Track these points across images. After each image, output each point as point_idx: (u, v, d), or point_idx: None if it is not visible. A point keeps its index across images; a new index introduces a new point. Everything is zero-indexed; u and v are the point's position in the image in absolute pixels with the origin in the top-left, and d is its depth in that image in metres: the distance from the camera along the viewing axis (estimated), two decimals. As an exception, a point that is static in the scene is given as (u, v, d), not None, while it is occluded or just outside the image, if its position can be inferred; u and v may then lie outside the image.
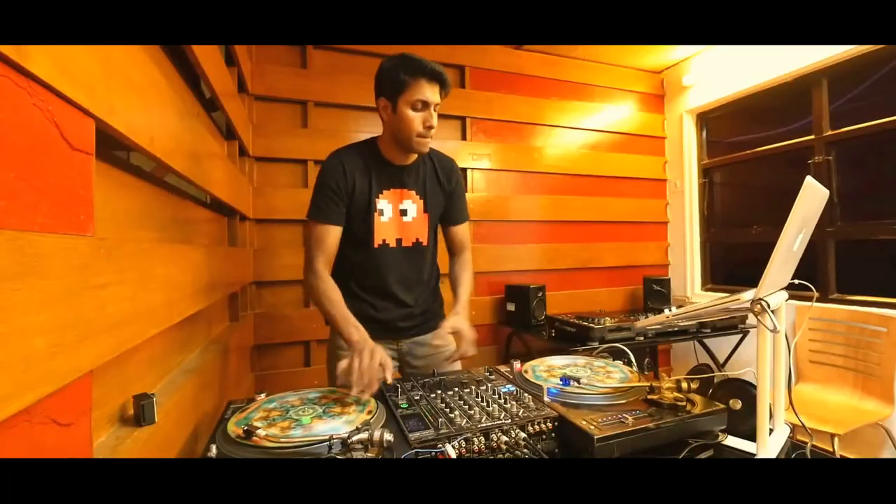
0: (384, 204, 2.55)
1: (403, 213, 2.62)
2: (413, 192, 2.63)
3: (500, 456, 1.56)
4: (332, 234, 2.48)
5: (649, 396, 1.83)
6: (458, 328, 2.39)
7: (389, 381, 2.08)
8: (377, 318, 2.61)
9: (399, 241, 2.62)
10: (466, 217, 2.90)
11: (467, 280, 2.78)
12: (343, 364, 1.97)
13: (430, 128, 2.40)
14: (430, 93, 2.35)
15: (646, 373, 2.40)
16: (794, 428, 1.97)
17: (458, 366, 2.68)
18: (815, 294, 2.10)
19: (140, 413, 1.47)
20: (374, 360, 1.99)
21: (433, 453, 1.48)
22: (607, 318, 4.46)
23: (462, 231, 2.88)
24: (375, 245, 2.57)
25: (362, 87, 4.61)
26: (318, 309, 2.47)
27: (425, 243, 2.71)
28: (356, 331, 2.23)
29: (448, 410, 1.77)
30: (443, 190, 2.74)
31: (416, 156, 2.60)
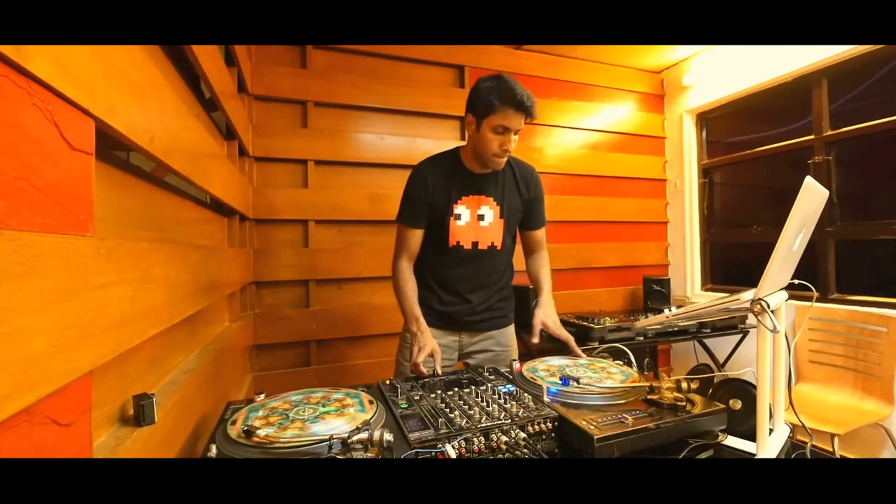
0: (462, 209, 2.76)
1: (481, 217, 2.79)
2: (491, 199, 2.80)
3: (499, 456, 1.56)
4: (415, 236, 2.78)
5: (649, 396, 1.83)
6: (546, 325, 2.76)
7: (439, 371, 2.34)
8: (441, 310, 2.83)
9: (475, 244, 2.81)
10: (545, 222, 3.06)
11: (547, 273, 3.03)
12: (415, 356, 2.42)
13: (507, 150, 2.56)
14: (515, 121, 2.48)
15: (646, 373, 2.40)
16: (793, 428, 1.97)
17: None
18: (815, 294, 2.10)
19: (140, 413, 1.47)
20: (422, 354, 2.41)
21: (433, 453, 1.48)
22: (607, 318, 4.48)
23: (540, 234, 3.06)
24: (450, 245, 2.77)
25: (362, 87, 4.69)
26: (396, 300, 2.80)
27: (499, 247, 2.87)
28: (416, 324, 2.63)
29: (448, 410, 1.77)
30: (521, 197, 2.88)
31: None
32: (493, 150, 2.54)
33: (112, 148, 1.44)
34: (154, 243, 1.66)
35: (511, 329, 3.07)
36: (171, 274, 1.78)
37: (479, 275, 2.86)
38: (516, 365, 2.26)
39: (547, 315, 2.75)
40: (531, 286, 3.36)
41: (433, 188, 2.71)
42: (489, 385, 2.06)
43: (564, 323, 4.44)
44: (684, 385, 1.80)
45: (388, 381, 2.15)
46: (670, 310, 2.08)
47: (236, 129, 3.41)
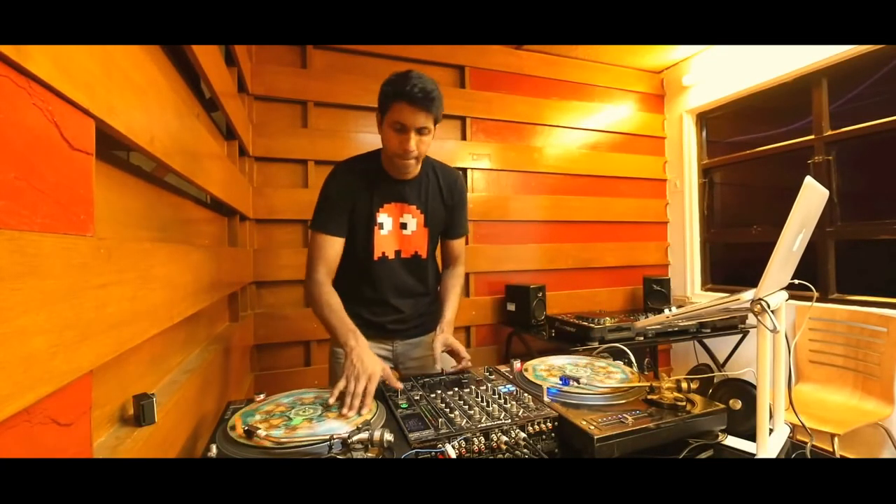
0: (384, 217, 2.58)
1: (403, 226, 2.64)
2: (414, 207, 2.64)
3: (500, 456, 1.56)
4: (333, 245, 2.51)
5: (649, 396, 1.83)
6: (450, 345, 2.49)
7: (399, 386, 2.07)
8: (371, 321, 2.64)
9: (398, 252, 2.65)
10: (465, 231, 2.93)
11: (456, 295, 2.83)
12: (339, 386, 1.93)
13: (407, 150, 2.36)
14: (411, 116, 2.30)
15: (646, 373, 2.40)
16: (793, 428, 1.97)
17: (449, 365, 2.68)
18: (815, 294, 2.10)
19: (140, 413, 1.47)
20: (360, 383, 1.93)
21: (433, 453, 1.48)
22: (607, 318, 4.46)
23: (458, 245, 2.91)
24: (375, 257, 2.60)
25: (362, 87, 4.69)
26: (317, 317, 2.47)
27: (424, 256, 2.74)
28: (353, 337, 2.24)
29: (448, 410, 1.77)
30: (444, 204, 2.75)
31: (418, 170, 2.61)
32: (394, 150, 2.39)
33: (112, 148, 1.44)
34: (154, 243, 1.67)
35: None
36: (172, 274, 1.78)
37: (406, 284, 2.72)
38: (517, 365, 2.26)
39: (448, 338, 2.54)
40: (531, 285, 3.32)
41: (354, 193, 2.54)
42: (489, 385, 2.06)
43: (564, 322, 4.45)
44: (684, 385, 1.80)
45: (400, 388, 2.11)
46: (670, 310, 2.08)
47: (236, 129, 3.41)
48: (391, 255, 2.64)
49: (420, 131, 2.36)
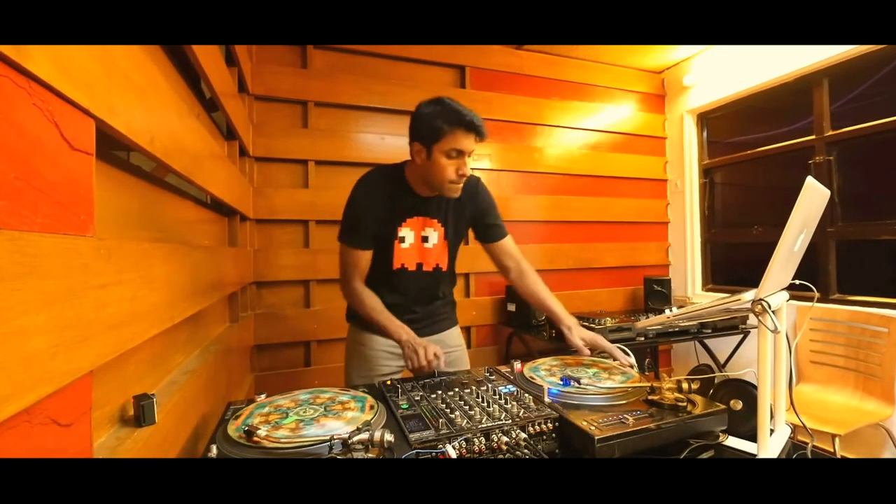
0: (406, 231, 2.65)
1: (425, 239, 2.71)
2: (435, 221, 2.70)
3: (500, 456, 1.56)
4: (364, 257, 2.64)
5: (650, 397, 1.83)
6: (593, 342, 2.55)
7: (443, 367, 2.32)
8: None
9: (420, 265, 2.72)
10: (505, 231, 2.91)
11: (549, 294, 2.89)
12: (411, 359, 2.35)
13: (464, 175, 2.45)
14: (466, 142, 2.38)
15: (646, 373, 2.40)
16: (794, 428, 1.97)
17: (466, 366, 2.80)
18: (816, 294, 2.10)
19: (140, 413, 1.47)
20: (428, 351, 2.32)
21: (434, 454, 1.48)
22: (608, 319, 4.47)
23: (509, 245, 2.90)
24: (394, 268, 2.67)
25: (362, 87, 4.72)
26: (365, 319, 2.63)
27: (444, 269, 2.81)
28: (404, 331, 2.49)
29: (448, 411, 1.77)
30: (465, 217, 2.80)
31: None
32: (450, 177, 2.45)
33: (112, 148, 1.44)
34: (154, 243, 1.66)
35: (457, 329, 3.04)
36: (172, 274, 1.78)
37: (424, 294, 2.82)
38: (517, 365, 2.27)
39: (584, 333, 2.59)
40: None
41: (377, 209, 2.59)
42: (490, 385, 2.07)
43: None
44: (685, 385, 1.80)
45: (388, 382, 2.15)
46: (671, 310, 2.08)
47: (237, 129, 3.41)
48: (411, 267, 2.70)
49: (469, 154, 2.45)
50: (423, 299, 2.81)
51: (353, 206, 2.62)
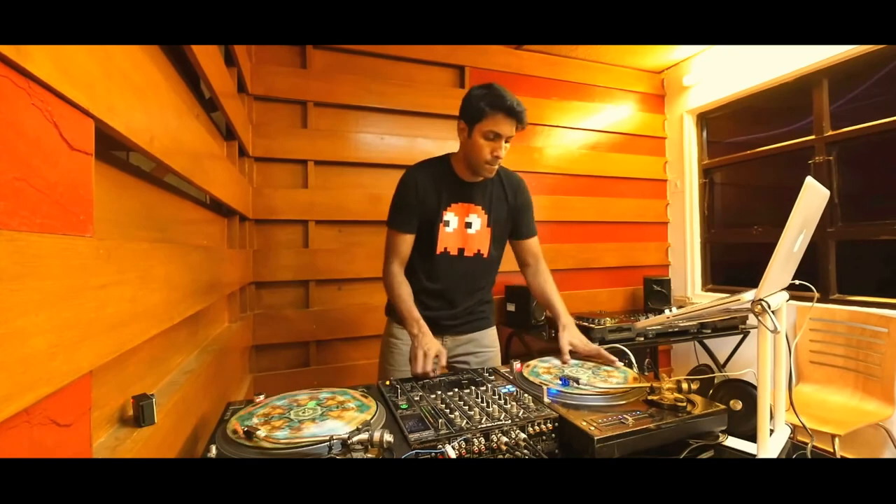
0: (451, 216, 2.77)
1: (468, 225, 2.81)
2: (479, 207, 2.82)
3: (500, 457, 1.56)
4: (406, 242, 2.77)
5: (650, 397, 1.83)
6: (576, 345, 2.56)
7: (443, 365, 2.41)
8: (424, 315, 2.69)
9: (461, 250, 2.82)
10: (534, 231, 3.07)
11: (556, 292, 2.94)
12: (414, 357, 2.37)
13: (497, 157, 2.57)
14: (506, 127, 2.50)
15: (646, 373, 2.40)
16: (794, 429, 1.97)
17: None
18: (816, 294, 2.10)
19: (140, 414, 1.48)
20: (428, 357, 2.33)
21: (433, 454, 1.48)
22: (607, 319, 4.48)
23: (534, 243, 3.05)
24: (437, 252, 2.77)
25: (362, 86, 4.72)
26: (392, 303, 2.74)
27: (486, 255, 2.88)
28: (417, 326, 2.55)
29: (448, 411, 1.77)
30: (508, 205, 2.91)
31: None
32: (485, 157, 2.57)
33: (112, 148, 1.44)
34: (154, 244, 1.66)
35: (493, 331, 3.10)
36: (171, 274, 1.78)
37: (464, 281, 2.87)
38: (517, 365, 2.27)
39: (573, 336, 2.63)
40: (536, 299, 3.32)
41: (424, 194, 2.72)
42: (489, 385, 2.07)
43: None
44: (685, 386, 1.81)
45: (388, 382, 2.15)
46: (671, 310, 2.08)
47: (236, 130, 3.41)
48: (453, 252, 2.80)
49: (508, 140, 2.58)
50: (464, 288, 2.87)
51: (399, 190, 2.77)
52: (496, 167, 2.67)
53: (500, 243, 2.96)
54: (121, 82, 1.29)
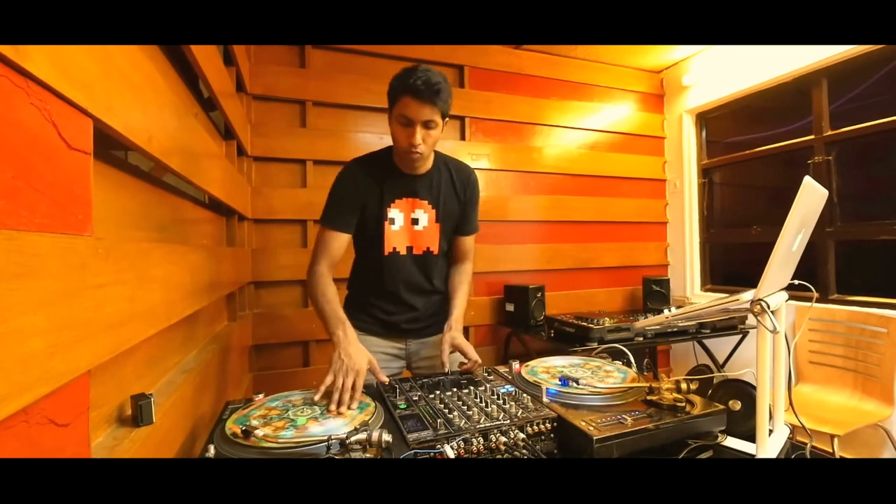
0: (395, 213, 2.59)
1: (415, 221, 2.64)
2: (426, 202, 2.64)
3: (498, 457, 1.55)
4: (338, 241, 2.53)
5: (648, 397, 1.84)
6: (457, 344, 2.46)
7: (385, 380, 2.15)
8: (385, 320, 2.65)
9: (410, 248, 2.65)
10: (476, 229, 2.89)
11: (464, 293, 2.80)
12: (326, 382, 1.98)
13: (413, 146, 2.36)
14: (415, 109, 2.30)
15: (645, 373, 2.41)
16: (793, 429, 1.97)
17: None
18: (815, 294, 2.10)
19: (138, 413, 1.48)
20: (348, 378, 1.97)
21: (432, 454, 1.48)
22: (606, 319, 4.47)
23: (468, 241, 2.88)
24: (386, 253, 2.60)
25: (361, 86, 4.71)
26: (313, 307, 2.48)
27: (436, 252, 2.72)
28: (342, 328, 2.26)
29: (447, 411, 1.77)
30: (458, 199, 2.74)
31: (429, 165, 2.61)
32: (402, 146, 2.40)
33: (110, 147, 1.44)
34: (152, 243, 1.67)
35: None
36: (170, 274, 1.78)
37: (417, 281, 2.71)
38: (515, 365, 2.26)
39: (455, 338, 2.52)
40: (530, 286, 3.28)
41: (365, 189, 2.55)
42: (488, 385, 2.07)
43: (563, 323, 4.44)
44: (684, 386, 1.81)
45: (387, 382, 2.14)
46: (670, 310, 2.08)
47: (235, 129, 3.42)
48: (402, 251, 2.63)
49: (426, 125, 2.35)
50: (418, 289, 2.73)
51: (336, 185, 2.58)
52: (417, 157, 2.43)
53: (450, 239, 2.82)
54: (119, 82, 1.30)
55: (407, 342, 2.77)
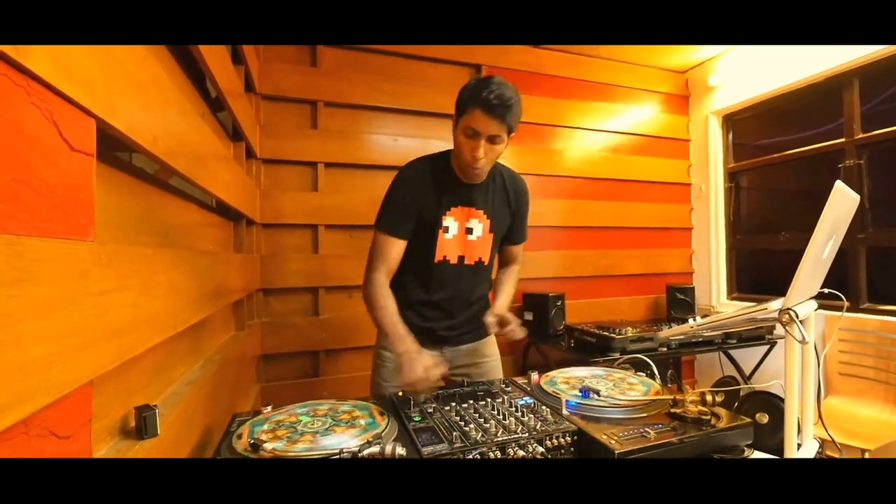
0: (450, 221, 2.61)
1: (469, 231, 2.66)
2: (481, 212, 2.67)
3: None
4: (396, 247, 2.55)
5: (672, 410, 1.83)
6: (501, 314, 2.47)
7: (440, 380, 2.20)
8: (421, 326, 2.63)
9: (461, 258, 2.68)
10: (525, 237, 2.97)
11: (510, 289, 2.83)
12: (402, 373, 2.14)
13: (476, 158, 2.38)
14: (483, 123, 2.30)
15: (669, 385, 2.40)
16: (823, 443, 1.97)
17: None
18: (846, 303, 2.08)
19: (142, 425, 1.47)
20: (415, 370, 2.09)
21: (446, 468, 1.47)
22: (629, 328, 4.46)
23: (517, 249, 2.95)
24: (436, 260, 2.62)
25: (375, 86, 4.70)
26: (370, 316, 2.52)
27: (486, 262, 2.76)
28: (403, 341, 2.31)
29: (463, 423, 1.76)
30: (509, 208, 2.78)
31: (486, 175, 2.60)
32: (465, 158, 2.42)
33: (114, 149, 1.44)
34: (157, 248, 1.67)
35: (493, 339, 2.96)
36: (175, 280, 1.78)
37: (464, 291, 2.76)
38: (534, 376, 2.26)
39: (499, 311, 2.55)
40: (549, 294, 3.28)
41: (423, 195, 2.56)
42: (506, 397, 2.06)
43: (584, 333, 4.42)
44: (709, 398, 1.80)
45: (400, 393, 2.14)
46: (695, 319, 2.07)
47: (243, 130, 3.41)
48: (453, 260, 2.66)
49: (492, 139, 2.38)
50: (463, 299, 2.75)
51: (393, 191, 2.59)
52: (477, 170, 2.48)
53: (497, 248, 2.86)
54: (123, 80, 1.30)
55: (443, 349, 2.75)
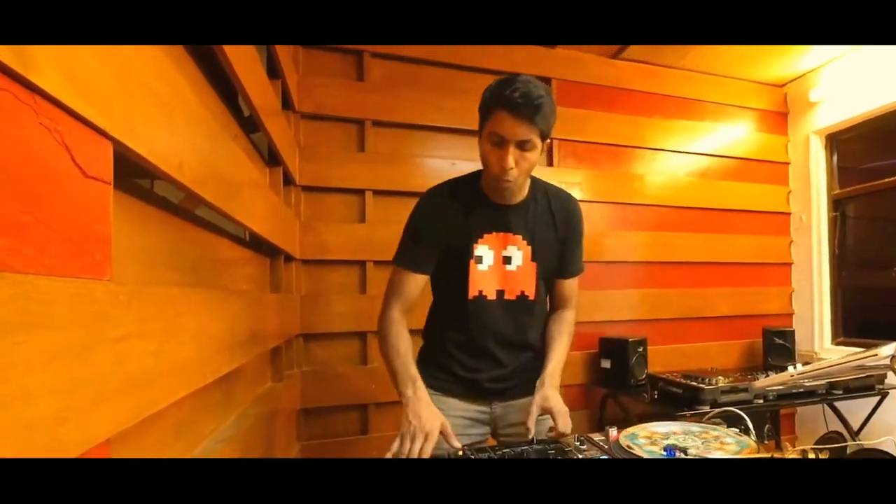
0: (484, 250, 2.51)
1: (507, 260, 2.54)
2: (519, 238, 2.54)
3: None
4: (414, 282, 2.51)
5: (772, 472, 1.80)
6: (548, 406, 2.34)
7: (458, 445, 2.13)
8: (464, 377, 2.58)
9: (500, 293, 2.56)
10: (580, 270, 2.81)
11: (564, 344, 2.67)
12: (393, 449, 2.05)
13: (505, 169, 2.25)
14: (509, 127, 2.20)
15: (766, 442, 2.37)
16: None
17: None
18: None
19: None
20: (415, 444, 2.03)
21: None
22: (720, 378, 4.42)
23: (571, 285, 2.80)
24: (470, 296, 2.51)
25: (429, 103, 4.72)
26: (381, 356, 2.48)
27: (532, 297, 2.61)
28: (412, 386, 2.26)
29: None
30: (556, 233, 2.62)
31: (525, 194, 2.54)
32: (493, 170, 2.31)
33: (133, 176, 1.45)
34: (183, 288, 1.69)
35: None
36: (204, 324, 1.79)
37: (509, 331, 2.59)
38: (612, 433, 2.22)
39: (548, 398, 2.37)
40: (629, 339, 3.25)
41: (447, 222, 2.49)
42: (580, 457, 2.05)
43: (668, 383, 4.40)
44: (812, 456, 1.77)
45: (460, 454, 2.10)
46: (795, 367, 2.06)
47: (280, 153, 3.42)
48: (491, 296, 2.54)
49: (522, 146, 2.25)
50: (509, 341, 2.59)
51: (412, 218, 2.57)
52: (510, 184, 2.35)
53: (546, 280, 2.70)
54: (144, 97, 1.30)
55: (492, 404, 2.66)
